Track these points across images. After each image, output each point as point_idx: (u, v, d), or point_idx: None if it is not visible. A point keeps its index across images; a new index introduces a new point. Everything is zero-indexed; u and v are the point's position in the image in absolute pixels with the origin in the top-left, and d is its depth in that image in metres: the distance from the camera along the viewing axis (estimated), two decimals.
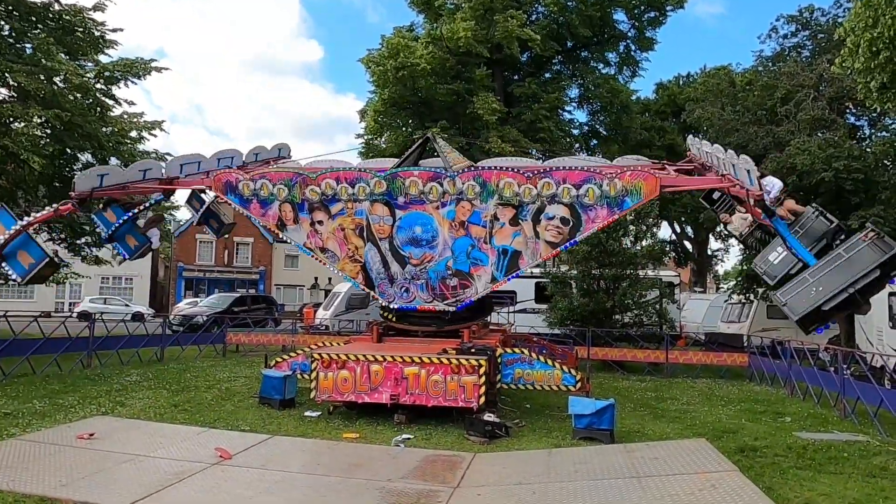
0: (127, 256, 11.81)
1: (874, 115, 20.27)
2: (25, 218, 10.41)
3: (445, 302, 10.67)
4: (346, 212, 10.76)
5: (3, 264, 9.78)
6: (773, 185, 8.49)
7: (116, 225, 10.99)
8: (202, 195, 12.48)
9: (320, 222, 10.87)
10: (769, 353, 14.36)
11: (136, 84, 18.15)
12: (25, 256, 9.83)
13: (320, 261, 11.29)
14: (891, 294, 13.88)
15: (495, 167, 10.68)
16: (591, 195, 10.06)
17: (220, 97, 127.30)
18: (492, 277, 10.50)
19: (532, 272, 21.90)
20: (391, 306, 11.06)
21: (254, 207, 11.08)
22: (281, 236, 11.40)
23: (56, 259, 11.04)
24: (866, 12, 9.66)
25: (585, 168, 10.50)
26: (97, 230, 19.32)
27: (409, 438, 8.14)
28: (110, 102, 17.70)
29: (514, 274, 10.58)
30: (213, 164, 11.98)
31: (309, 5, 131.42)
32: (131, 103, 18.83)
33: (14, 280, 10.24)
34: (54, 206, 10.74)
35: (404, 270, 10.82)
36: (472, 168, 10.88)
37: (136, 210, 11.24)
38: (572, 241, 10.41)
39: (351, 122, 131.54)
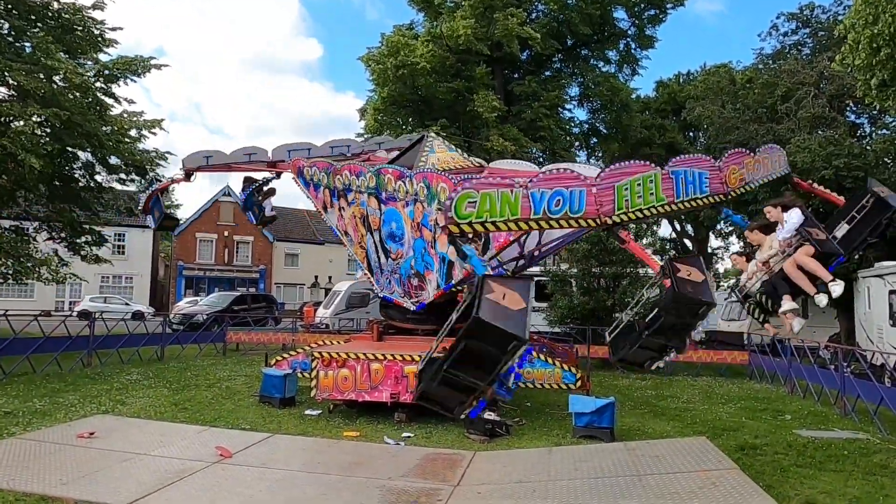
0: (254, 221, 13.90)
1: (874, 112, 20.28)
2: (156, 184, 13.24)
3: (410, 300, 10.69)
4: (356, 201, 11.04)
5: (147, 216, 12.93)
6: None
7: (243, 198, 13.35)
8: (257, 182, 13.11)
9: (343, 209, 11.34)
10: (769, 351, 14.36)
11: (135, 82, 18.10)
12: (156, 213, 12.72)
13: (344, 243, 12.03)
14: (891, 292, 13.88)
15: (437, 170, 10.22)
16: None
17: (220, 95, 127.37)
18: (436, 284, 10.07)
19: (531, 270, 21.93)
20: (379, 295, 11.47)
21: (311, 191, 11.84)
22: (323, 217, 12.15)
23: (173, 215, 13.88)
24: (867, 9, 9.66)
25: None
26: (96, 229, 19.48)
27: (408, 437, 8.14)
28: (110, 101, 17.67)
29: (450, 284, 9.85)
30: (325, 151, 12.92)
31: (308, 3, 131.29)
32: (131, 102, 18.85)
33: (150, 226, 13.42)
34: (170, 178, 13.54)
35: (387, 263, 10.94)
36: (422, 170, 10.40)
37: (252, 186, 12.86)
38: (492, 264, 9.82)
39: (350, 120, 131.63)
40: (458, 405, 5.28)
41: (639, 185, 5.36)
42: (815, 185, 7.96)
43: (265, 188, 13.01)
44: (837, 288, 5.92)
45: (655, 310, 5.38)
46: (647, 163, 5.54)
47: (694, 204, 5.64)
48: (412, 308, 10.69)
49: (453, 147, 12.84)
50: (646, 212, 5.43)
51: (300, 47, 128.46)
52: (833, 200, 7.42)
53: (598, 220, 5.30)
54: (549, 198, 5.23)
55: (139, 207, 13.84)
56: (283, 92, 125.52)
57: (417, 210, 10.04)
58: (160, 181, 13.67)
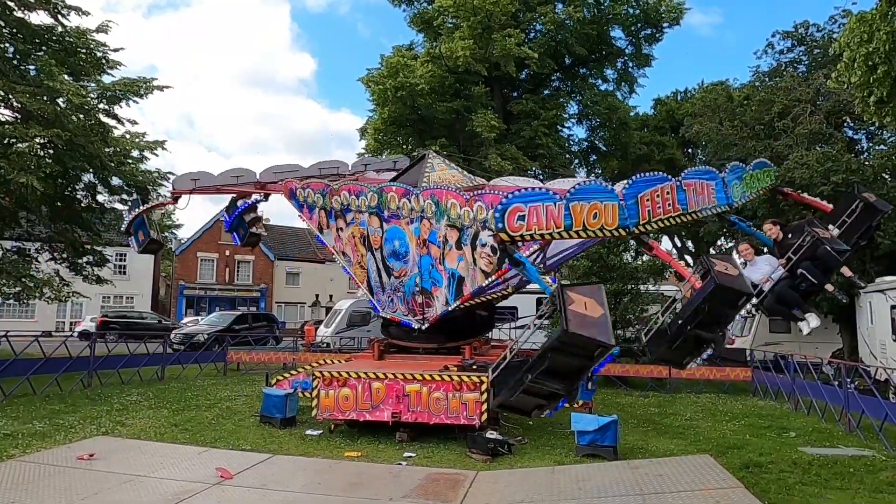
0: (238, 243, 13.67)
1: (872, 128, 20.40)
2: (143, 205, 13.13)
3: (416, 318, 10.67)
4: (355, 221, 11.10)
5: (129, 238, 12.99)
6: None
7: (228, 220, 13.10)
8: (240, 203, 13.12)
9: (341, 229, 11.38)
10: (772, 368, 14.28)
11: (137, 103, 18.21)
12: (140, 235, 12.76)
13: (342, 263, 11.97)
14: (893, 307, 13.85)
15: (444, 187, 10.13)
16: None
17: (213, 113, 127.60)
18: (445, 300, 9.95)
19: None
20: (382, 314, 11.44)
21: (305, 212, 11.94)
22: (321, 238, 12.08)
23: (160, 238, 13.81)
24: (861, 27, 9.76)
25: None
26: (98, 249, 19.53)
27: (410, 457, 8.09)
28: (112, 123, 17.83)
29: (460, 302, 9.73)
30: (314, 172, 13.07)
31: (301, 20, 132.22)
32: (134, 123, 18.97)
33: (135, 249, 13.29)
34: (156, 201, 13.78)
35: (390, 281, 10.92)
36: (429, 187, 10.38)
37: (239, 209, 12.85)
38: (497, 280, 9.63)
39: (345, 137, 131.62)
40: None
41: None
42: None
43: (253, 214, 13.05)
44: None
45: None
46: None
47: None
48: (417, 326, 10.67)
49: (453, 165, 12.91)
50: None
51: (294, 65, 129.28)
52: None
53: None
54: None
55: (122, 229, 13.52)
56: (278, 110, 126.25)
57: (424, 227, 10.03)
58: (145, 203, 13.53)
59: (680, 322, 5.53)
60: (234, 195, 12.91)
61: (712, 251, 37.85)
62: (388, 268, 10.86)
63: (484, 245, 9.30)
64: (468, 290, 9.61)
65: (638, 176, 5.88)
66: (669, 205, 5.84)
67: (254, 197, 12.91)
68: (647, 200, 5.70)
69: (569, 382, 5.14)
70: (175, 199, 12.62)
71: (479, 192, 9.91)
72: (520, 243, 5.91)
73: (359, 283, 11.80)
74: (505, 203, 5.59)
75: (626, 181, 5.95)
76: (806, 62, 24.71)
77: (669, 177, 5.97)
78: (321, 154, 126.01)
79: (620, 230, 5.60)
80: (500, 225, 5.52)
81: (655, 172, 6.02)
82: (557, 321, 16.63)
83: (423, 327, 10.55)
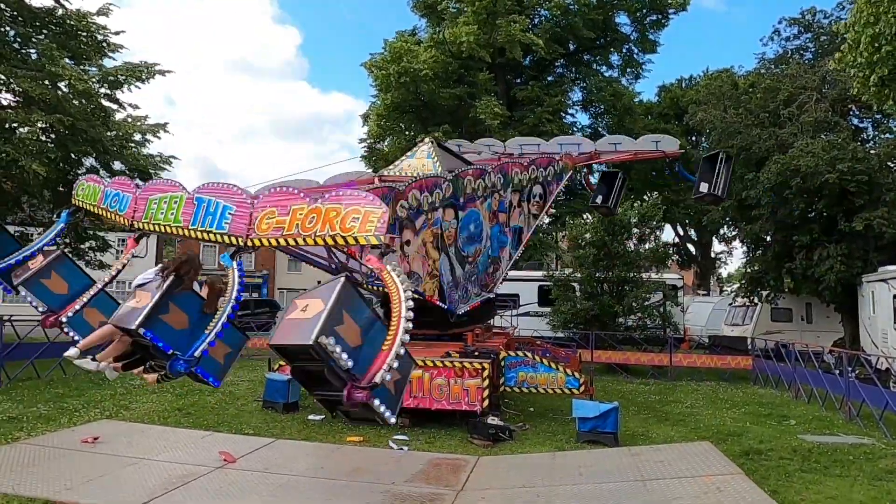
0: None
1: (878, 116, 20.25)
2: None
3: (485, 290, 11.26)
4: (427, 225, 9.64)
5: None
6: None
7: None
8: None
9: (406, 243, 9.36)
10: (773, 356, 14.30)
11: (139, 88, 18.10)
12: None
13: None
14: (895, 296, 13.84)
15: (506, 159, 12.34)
16: (551, 173, 12.61)
17: (202, 99, 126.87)
18: (509, 255, 11.81)
19: (534, 275, 21.88)
20: (458, 313, 10.44)
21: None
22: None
23: None
24: (868, 9, 9.72)
25: (548, 154, 13.07)
26: (100, 234, 19.54)
27: (411, 441, 8.13)
28: (114, 107, 17.76)
29: (522, 246, 12.45)
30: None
31: (284, 3, 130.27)
32: (135, 107, 18.88)
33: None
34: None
35: (465, 271, 10.73)
36: (499, 161, 12.27)
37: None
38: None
39: (338, 120, 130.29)
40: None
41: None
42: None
43: None
44: None
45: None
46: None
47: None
48: (488, 296, 11.43)
49: (450, 153, 12.62)
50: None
51: (281, 49, 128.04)
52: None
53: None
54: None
55: None
56: (266, 95, 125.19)
57: (494, 200, 11.15)
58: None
59: None
60: None
61: (714, 240, 37.83)
62: (463, 257, 10.59)
63: (535, 196, 12.31)
64: (526, 237, 12.32)
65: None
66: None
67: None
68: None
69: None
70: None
71: (531, 158, 12.58)
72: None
73: (429, 298, 9.86)
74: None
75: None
76: (812, 49, 24.50)
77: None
78: (314, 138, 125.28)
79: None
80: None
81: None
82: (559, 309, 17.06)
83: (492, 296, 11.58)
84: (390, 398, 4.47)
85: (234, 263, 5.15)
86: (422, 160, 11.40)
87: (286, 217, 4.86)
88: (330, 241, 4.73)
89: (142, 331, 5.08)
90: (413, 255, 9.45)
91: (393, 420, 4.51)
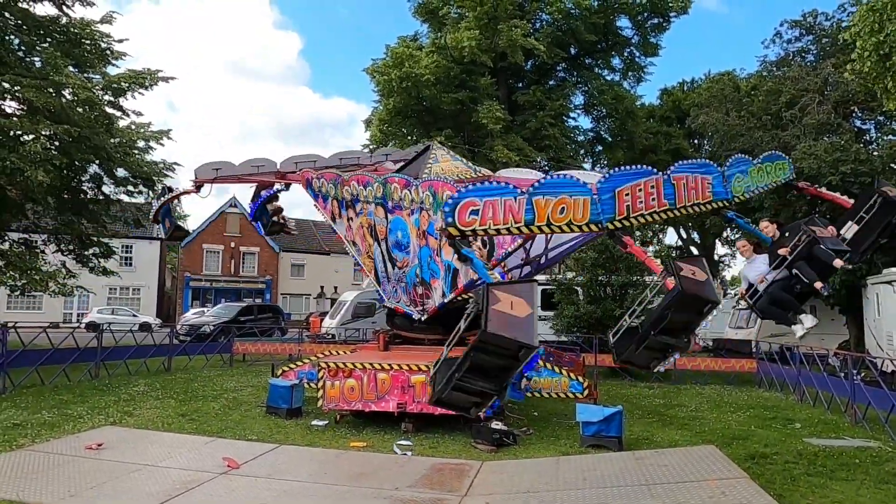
0: (262, 232, 14.42)
1: (880, 118, 20.22)
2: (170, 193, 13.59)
3: (416, 309, 10.69)
4: (363, 212, 11.17)
5: (157, 225, 13.50)
6: None
7: (253, 208, 13.28)
8: (263, 193, 13.20)
9: (351, 219, 11.47)
10: (778, 359, 14.25)
11: (143, 95, 18.17)
12: (167, 223, 13.22)
13: (352, 254, 12.13)
14: None
15: (441, 179, 10.06)
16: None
17: (204, 103, 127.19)
18: (442, 292, 9.97)
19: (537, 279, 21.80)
20: (387, 304, 11.53)
21: (320, 202, 12.04)
22: (333, 227, 12.22)
23: (183, 226, 14.65)
24: (871, 17, 9.68)
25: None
26: (104, 241, 19.61)
27: (415, 446, 8.11)
28: (117, 114, 17.82)
29: (454, 295, 9.72)
30: (333, 162, 13.21)
31: (284, 8, 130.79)
32: (139, 114, 18.95)
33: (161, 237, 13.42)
34: (182, 189, 13.66)
35: (394, 271, 10.97)
36: (427, 179, 10.32)
37: (262, 198, 12.94)
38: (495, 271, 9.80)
39: (339, 123, 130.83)
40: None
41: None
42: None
43: (276, 203, 13.22)
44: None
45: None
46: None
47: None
48: (418, 317, 10.70)
49: (458, 157, 12.86)
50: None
51: (281, 54, 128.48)
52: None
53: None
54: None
55: (150, 217, 13.96)
56: (267, 98, 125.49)
57: (423, 218, 10.01)
58: (171, 191, 13.72)
59: (645, 329, 5.42)
60: (258, 185, 13.00)
61: (718, 243, 37.79)
62: (393, 258, 10.89)
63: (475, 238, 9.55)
64: (462, 283, 9.51)
65: (617, 169, 5.65)
66: (654, 199, 5.55)
67: (276, 186, 13.02)
68: (627, 195, 5.47)
69: (497, 381, 5.09)
70: (198, 188, 12.81)
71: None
72: (472, 238, 5.67)
73: (367, 273, 11.91)
74: (457, 197, 5.40)
75: (603, 174, 5.79)
76: (814, 51, 24.49)
77: (654, 170, 5.67)
78: (316, 142, 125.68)
79: (591, 225, 5.41)
80: (449, 219, 5.35)
81: (640, 166, 5.78)
82: (561, 313, 16.64)
83: (423, 318, 10.58)
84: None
85: None
86: (447, 162, 11.81)
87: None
88: None
89: None
90: (356, 231, 11.41)
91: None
